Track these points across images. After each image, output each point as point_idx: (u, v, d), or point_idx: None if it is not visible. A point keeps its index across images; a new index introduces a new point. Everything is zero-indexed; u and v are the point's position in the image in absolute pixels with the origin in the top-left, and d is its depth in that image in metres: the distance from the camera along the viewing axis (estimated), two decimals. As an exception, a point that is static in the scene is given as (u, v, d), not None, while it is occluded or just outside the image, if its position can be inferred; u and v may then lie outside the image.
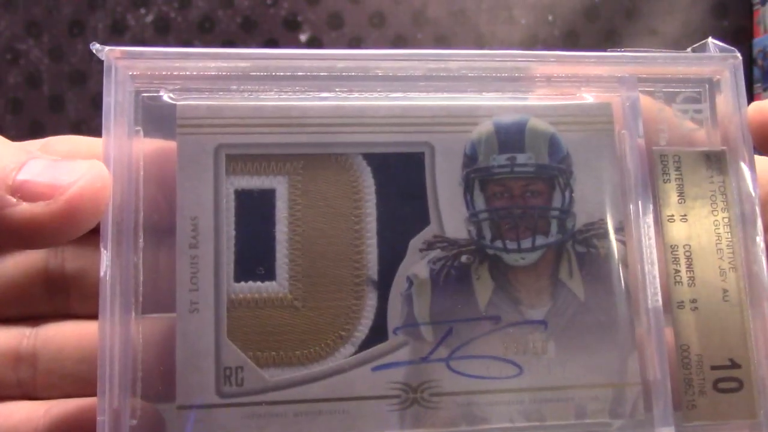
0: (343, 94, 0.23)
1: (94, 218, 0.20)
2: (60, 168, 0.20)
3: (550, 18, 0.68)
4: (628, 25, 0.69)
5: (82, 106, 0.62)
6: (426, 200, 0.23)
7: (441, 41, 0.67)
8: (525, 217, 0.23)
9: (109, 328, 0.21)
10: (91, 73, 0.66)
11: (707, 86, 0.24)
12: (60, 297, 0.24)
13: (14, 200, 0.19)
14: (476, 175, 0.23)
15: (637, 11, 0.68)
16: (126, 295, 0.21)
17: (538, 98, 0.24)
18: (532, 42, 0.66)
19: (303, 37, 0.68)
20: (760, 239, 0.23)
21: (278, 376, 0.22)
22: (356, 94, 0.23)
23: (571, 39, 0.67)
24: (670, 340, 0.23)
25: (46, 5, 0.68)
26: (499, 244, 0.23)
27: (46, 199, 0.19)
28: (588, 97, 0.24)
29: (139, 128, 0.22)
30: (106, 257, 0.21)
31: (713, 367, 0.23)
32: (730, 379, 0.23)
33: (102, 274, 0.21)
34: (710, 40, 0.25)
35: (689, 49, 0.25)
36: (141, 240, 0.22)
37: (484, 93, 0.24)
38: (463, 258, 0.23)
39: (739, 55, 0.24)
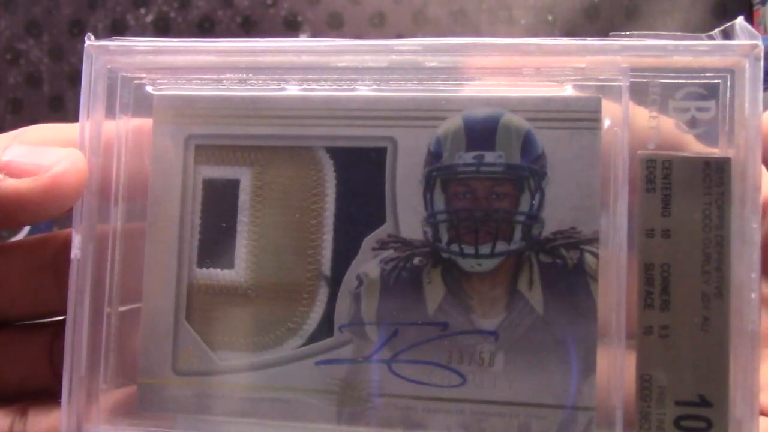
0: (310, 86, 0.23)
1: (75, 196, 0.22)
2: (41, 152, 0.22)
3: (550, 18, 0.67)
4: (628, 25, 0.68)
5: None
6: (384, 198, 0.23)
7: None
8: (487, 221, 0.22)
9: (79, 309, 0.23)
10: None
11: (718, 80, 0.21)
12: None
13: (1, 176, 0.22)
14: (438, 173, 0.22)
15: (637, 11, 0.67)
16: (98, 278, 0.23)
17: (517, 90, 0.22)
18: None
19: (303, 38, 0.67)
20: (757, 265, 0.20)
21: (228, 360, 0.23)
22: (325, 86, 0.23)
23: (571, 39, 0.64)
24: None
25: (46, 5, 0.69)
26: (455, 248, 0.22)
27: (31, 176, 0.21)
28: (574, 90, 0.22)
29: (122, 116, 0.24)
30: (77, 240, 0.23)
31: (678, 403, 0.20)
32: (696, 418, 0.20)
33: (73, 256, 0.23)
34: (740, 20, 0.21)
35: (715, 32, 0.22)
36: (117, 222, 0.24)
37: (455, 86, 0.22)
38: (416, 260, 0.22)
39: (761, 43, 0.21)
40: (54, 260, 0.25)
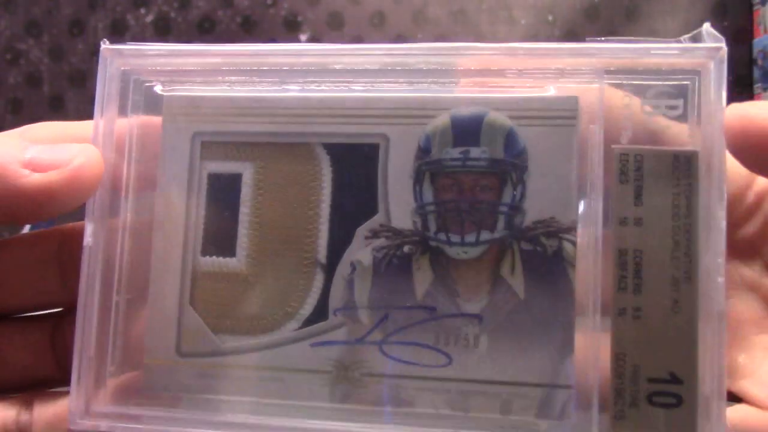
0: (309, 87, 0.25)
1: (93, 188, 0.24)
2: (59, 148, 0.24)
3: (550, 18, 0.67)
4: (628, 25, 0.67)
5: (82, 106, 0.65)
6: (376, 190, 0.24)
7: (441, 41, 0.66)
8: (472, 212, 0.24)
9: (87, 294, 0.24)
10: (91, 73, 0.67)
11: (686, 80, 0.23)
12: (74, 280, 0.27)
13: (28, 172, 0.23)
14: (427, 167, 0.24)
15: (637, 11, 0.67)
16: (108, 265, 0.25)
17: (502, 91, 0.24)
18: (532, 42, 0.65)
19: (303, 37, 0.68)
20: (723, 250, 0.22)
21: (229, 343, 0.24)
22: (322, 87, 0.25)
23: (571, 39, 0.65)
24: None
25: (46, 5, 0.69)
26: (442, 236, 0.24)
27: (55, 170, 0.23)
28: (553, 90, 0.24)
29: (132, 114, 0.25)
30: (90, 228, 0.24)
31: (650, 380, 0.22)
32: (667, 394, 0.22)
33: (85, 244, 0.24)
34: (706, 26, 0.23)
35: (684, 37, 0.23)
36: (126, 213, 0.25)
37: (444, 87, 0.24)
38: (406, 248, 0.24)
39: (725, 46, 0.22)
40: (58, 252, 0.27)
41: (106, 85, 0.25)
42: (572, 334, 0.23)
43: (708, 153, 0.22)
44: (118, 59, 0.25)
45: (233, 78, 0.25)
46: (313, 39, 0.68)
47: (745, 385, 0.26)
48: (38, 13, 0.73)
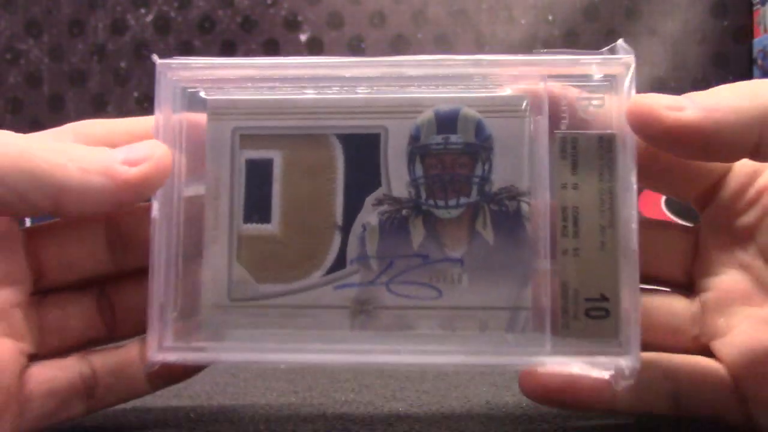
0: (323, 91, 0.32)
1: (168, 173, 0.30)
2: (139, 147, 0.30)
3: (550, 18, 0.68)
4: (628, 24, 0.68)
5: (82, 106, 0.63)
6: (379, 168, 0.32)
7: (441, 41, 0.66)
8: (453, 183, 0.31)
9: (158, 256, 0.31)
10: (91, 73, 0.67)
11: (606, 82, 0.31)
12: (119, 254, 0.32)
13: (127, 168, 0.29)
14: (418, 150, 0.32)
15: (637, 11, 0.68)
16: (170, 232, 0.31)
17: (470, 92, 0.32)
18: (532, 41, 0.66)
19: (303, 37, 0.68)
20: (634, 205, 0.30)
21: (269, 289, 0.32)
22: (334, 90, 0.32)
23: (571, 38, 0.66)
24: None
25: (46, 5, 0.68)
26: (431, 202, 0.31)
27: (145, 163, 0.29)
28: (510, 90, 0.32)
29: (183, 113, 0.32)
30: (156, 206, 0.31)
31: (586, 299, 0.30)
32: (599, 309, 0.30)
33: (153, 216, 0.31)
34: (620, 41, 0.31)
35: (605, 49, 0.32)
36: (181, 191, 0.32)
37: (429, 89, 0.32)
38: (404, 212, 0.31)
39: (632, 57, 0.31)
40: (106, 231, 0.32)
41: (161, 92, 0.32)
42: (529, 270, 0.31)
43: (622, 135, 0.30)
44: (169, 71, 0.32)
45: (262, 84, 0.32)
46: (313, 38, 0.68)
47: (716, 344, 0.31)
48: (38, 13, 0.72)
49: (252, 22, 0.71)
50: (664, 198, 0.71)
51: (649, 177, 0.32)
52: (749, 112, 0.28)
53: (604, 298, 0.30)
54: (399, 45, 0.71)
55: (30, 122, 0.68)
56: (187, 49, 0.74)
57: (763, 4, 0.68)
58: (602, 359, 0.30)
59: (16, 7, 0.73)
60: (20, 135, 0.28)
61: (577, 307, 0.30)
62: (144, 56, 0.71)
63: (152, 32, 0.72)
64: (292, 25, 0.70)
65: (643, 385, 0.30)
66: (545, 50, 0.31)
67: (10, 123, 0.68)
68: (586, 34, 0.67)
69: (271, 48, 0.71)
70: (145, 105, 0.78)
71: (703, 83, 0.80)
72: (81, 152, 0.28)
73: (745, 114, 0.28)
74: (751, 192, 0.31)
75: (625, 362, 0.29)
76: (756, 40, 0.69)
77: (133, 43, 0.70)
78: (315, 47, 0.71)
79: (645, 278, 0.31)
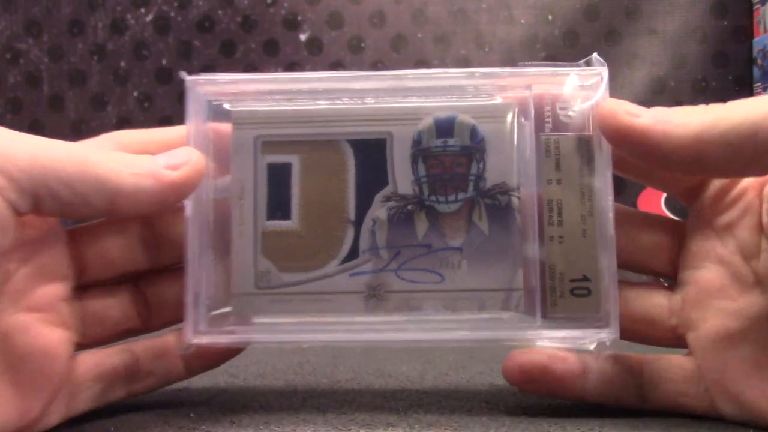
0: (335, 101, 0.36)
1: (202, 178, 0.34)
2: (177, 153, 0.34)
3: (549, 18, 0.69)
4: (628, 24, 0.69)
5: (81, 106, 0.64)
6: (386, 169, 0.36)
7: (441, 41, 0.67)
8: (451, 180, 0.36)
9: (192, 251, 0.35)
10: (90, 73, 0.67)
11: (583, 90, 0.35)
12: (153, 251, 0.35)
13: (170, 171, 0.33)
14: (420, 153, 0.36)
15: (637, 11, 0.69)
16: (202, 229, 0.35)
17: (465, 101, 0.36)
18: (532, 41, 0.68)
19: (303, 37, 0.68)
20: (610, 197, 0.34)
21: (291, 279, 0.36)
22: (344, 100, 0.36)
23: (571, 38, 0.68)
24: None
25: (46, 5, 0.68)
26: (433, 198, 0.36)
27: (183, 167, 0.33)
28: (499, 99, 0.36)
29: (210, 123, 0.36)
30: (189, 206, 0.35)
31: (571, 280, 0.34)
32: (582, 288, 0.34)
33: (186, 215, 0.35)
34: (595, 55, 0.36)
35: (582, 62, 0.36)
36: (210, 194, 0.36)
37: (428, 99, 0.36)
38: (409, 207, 0.36)
39: (606, 69, 0.35)
40: (141, 231, 0.36)
41: (191, 105, 0.36)
42: (520, 256, 0.35)
43: (598, 136, 0.35)
44: (197, 86, 0.36)
45: (280, 97, 0.36)
46: (313, 38, 0.68)
47: (690, 335, 0.34)
48: (38, 13, 0.73)
49: (252, 21, 0.71)
50: (664, 196, 0.74)
51: (641, 172, 0.36)
52: (695, 128, 0.30)
53: (586, 279, 0.34)
54: (399, 45, 0.71)
55: (30, 122, 0.69)
56: (186, 49, 0.74)
57: (763, 3, 0.68)
58: (587, 332, 0.34)
59: (16, 7, 0.73)
60: (76, 143, 0.32)
61: (563, 287, 0.34)
62: (144, 56, 0.71)
63: (152, 32, 0.72)
64: (292, 24, 0.70)
65: (608, 378, 0.34)
66: (529, 62, 0.36)
67: (10, 123, 0.68)
68: (586, 34, 0.69)
69: (271, 48, 0.72)
70: (144, 104, 0.78)
71: (703, 83, 0.81)
72: (131, 159, 0.32)
73: (690, 129, 0.30)
74: (735, 191, 0.33)
75: (606, 334, 0.34)
76: (756, 40, 0.70)
77: (133, 42, 0.71)
78: (315, 47, 0.72)
79: (635, 268, 0.34)
